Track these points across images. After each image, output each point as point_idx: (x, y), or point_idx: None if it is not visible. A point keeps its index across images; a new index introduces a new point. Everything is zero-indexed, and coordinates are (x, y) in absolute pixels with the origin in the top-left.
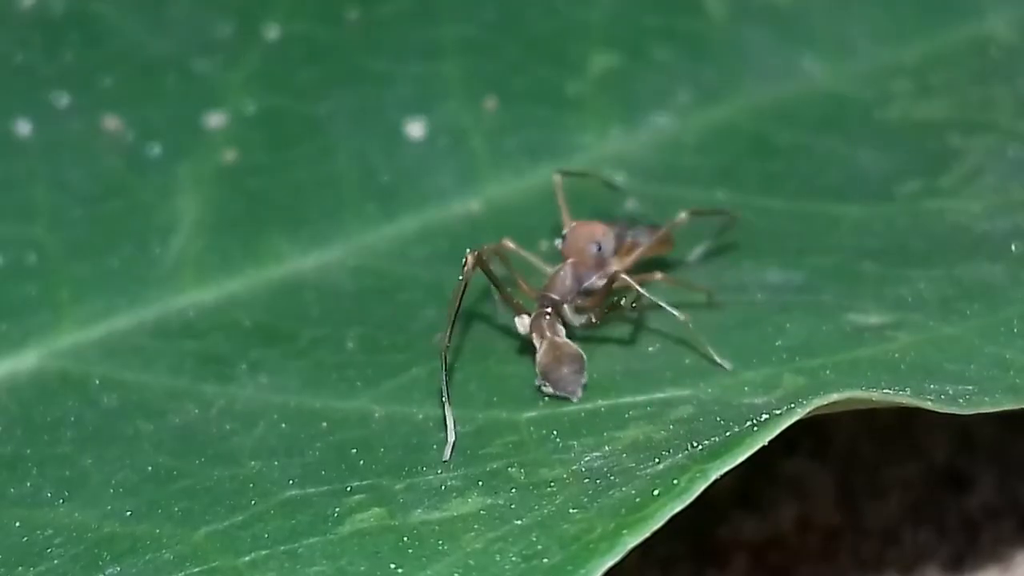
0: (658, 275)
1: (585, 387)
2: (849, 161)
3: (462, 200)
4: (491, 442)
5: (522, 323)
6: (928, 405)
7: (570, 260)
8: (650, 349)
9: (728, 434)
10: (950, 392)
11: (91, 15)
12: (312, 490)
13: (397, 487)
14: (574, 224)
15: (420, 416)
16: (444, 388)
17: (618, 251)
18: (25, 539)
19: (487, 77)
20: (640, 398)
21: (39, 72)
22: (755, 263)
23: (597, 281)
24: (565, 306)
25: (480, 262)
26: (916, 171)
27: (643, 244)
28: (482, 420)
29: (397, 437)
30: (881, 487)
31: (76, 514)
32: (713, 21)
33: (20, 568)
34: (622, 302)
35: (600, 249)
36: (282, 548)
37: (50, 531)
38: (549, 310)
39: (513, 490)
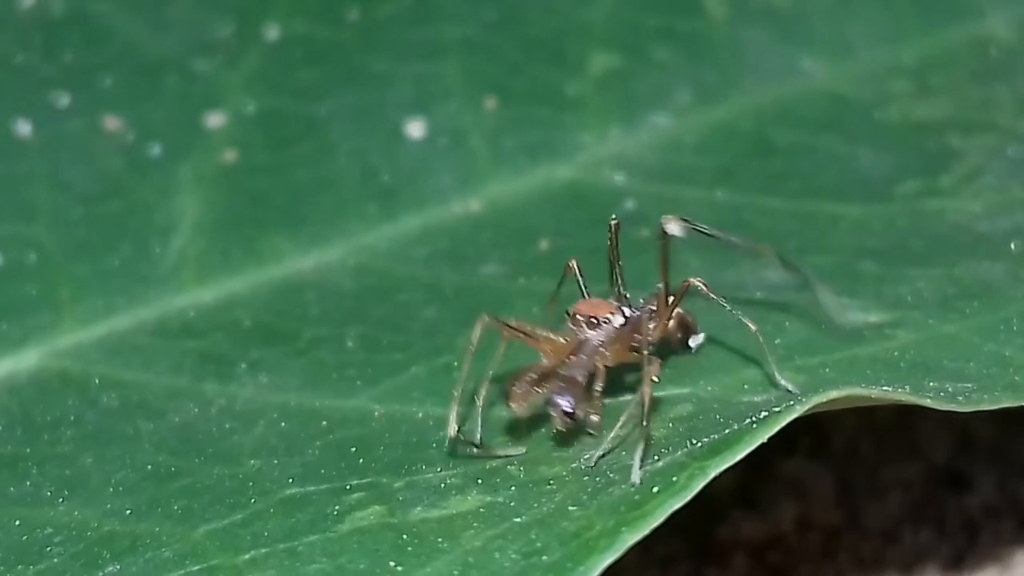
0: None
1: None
2: (849, 161)
3: (462, 200)
4: (491, 440)
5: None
6: (927, 403)
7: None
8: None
9: (727, 432)
10: (949, 390)
11: (91, 15)
12: (312, 488)
13: (396, 485)
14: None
15: (420, 415)
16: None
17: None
18: (25, 538)
19: (487, 77)
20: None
21: (39, 72)
22: (755, 263)
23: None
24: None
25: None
26: (916, 171)
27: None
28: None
29: (397, 435)
30: (881, 487)
31: (76, 513)
32: (713, 21)
33: (20, 566)
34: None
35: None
36: (282, 546)
37: (50, 530)
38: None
39: (512, 488)
